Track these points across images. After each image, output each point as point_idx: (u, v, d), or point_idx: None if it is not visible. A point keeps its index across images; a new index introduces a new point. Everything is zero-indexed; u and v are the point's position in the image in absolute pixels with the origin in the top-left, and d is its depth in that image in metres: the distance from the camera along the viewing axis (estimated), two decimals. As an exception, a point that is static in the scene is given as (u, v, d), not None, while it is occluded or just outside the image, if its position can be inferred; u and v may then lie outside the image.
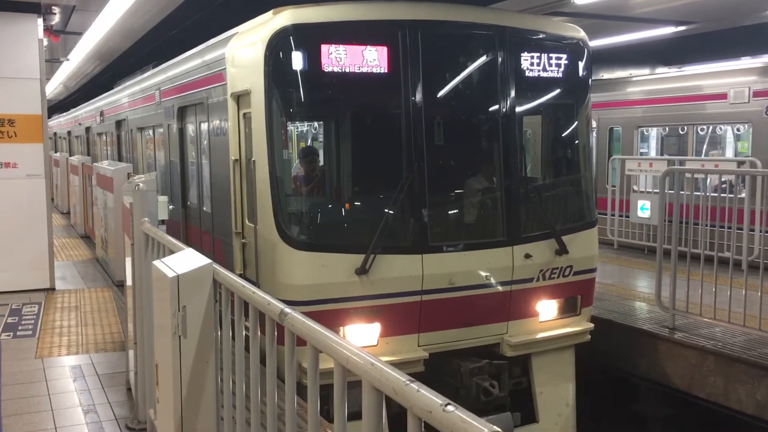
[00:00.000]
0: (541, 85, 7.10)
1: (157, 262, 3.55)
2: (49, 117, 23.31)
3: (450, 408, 1.51)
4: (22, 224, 9.97)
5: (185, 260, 3.41)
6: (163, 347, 3.44)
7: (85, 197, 15.33)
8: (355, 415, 2.25)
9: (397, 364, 1.93)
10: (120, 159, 14.86)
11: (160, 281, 3.40)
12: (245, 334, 3.11)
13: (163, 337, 3.39)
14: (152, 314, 4.24)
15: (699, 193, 9.42)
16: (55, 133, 30.31)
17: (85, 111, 21.87)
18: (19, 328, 8.18)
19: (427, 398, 1.59)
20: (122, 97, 14.42)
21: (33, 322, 8.44)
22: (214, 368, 3.30)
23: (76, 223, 17.16)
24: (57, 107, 34.35)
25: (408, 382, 1.68)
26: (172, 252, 3.83)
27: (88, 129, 20.85)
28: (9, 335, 7.88)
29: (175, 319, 3.18)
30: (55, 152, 24.73)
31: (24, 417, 5.55)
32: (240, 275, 5.86)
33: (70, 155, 21.89)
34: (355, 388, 2.16)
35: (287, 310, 2.47)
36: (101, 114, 17.39)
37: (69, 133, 26.64)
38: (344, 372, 2.09)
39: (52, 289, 10.17)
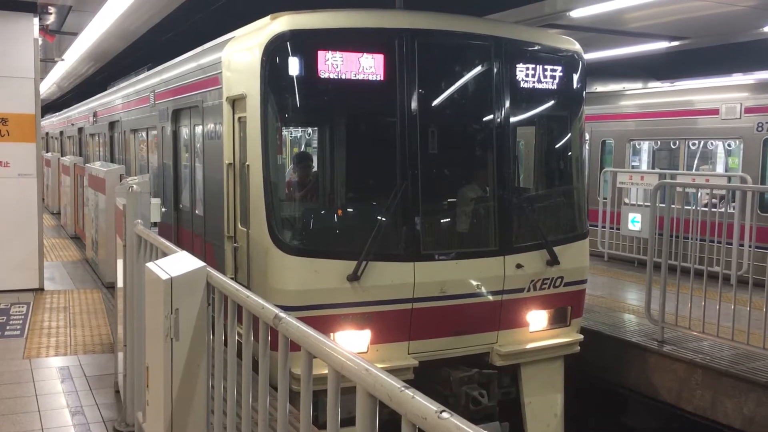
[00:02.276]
0: (536, 96, 7.14)
1: (150, 264, 3.55)
2: (42, 117, 23.22)
3: (445, 415, 1.52)
4: (12, 224, 9.91)
5: (179, 263, 3.41)
6: (154, 350, 3.43)
7: (76, 198, 15.26)
8: (343, 422, 2.26)
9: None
10: (112, 160, 14.81)
11: (153, 283, 3.40)
12: (238, 340, 3.11)
13: (155, 339, 3.38)
14: (143, 316, 4.23)
15: (690, 207, 9.49)
16: (47, 133, 30.18)
17: (78, 111, 21.81)
18: (7, 328, 8.13)
19: (422, 405, 1.60)
20: (116, 98, 14.39)
21: (21, 322, 8.38)
22: (205, 372, 3.29)
23: (66, 224, 17.07)
24: (50, 107, 34.24)
25: (403, 389, 1.68)
26: (164, 254, 3.82)
27: (80, 129, 20.79)
28: (-4, 335, 7.83)
29: (167, 322, 3.17)
30: (47, 152, 24.63)
31: (11, 417, 5.51)
32: (231, 279, 5.86)
33: (62, 155, 21.80)
34: (344, 395, 2.17)
35: (282, 314, 2.47)
36: (94, 115, 17.34)
37: (61, 133, 26.54)
38: (338, 378, 2.09)
39: (41, 289, 10.11)
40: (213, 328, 3.36)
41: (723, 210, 9.97)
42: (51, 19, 11.06)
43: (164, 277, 3.21)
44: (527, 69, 6.95)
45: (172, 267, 3.33)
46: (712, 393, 7.09)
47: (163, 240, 4.07)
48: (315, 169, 7.57)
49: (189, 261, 3.41)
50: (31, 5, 9.97)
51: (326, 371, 2.19)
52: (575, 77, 7.32)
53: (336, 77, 6.14)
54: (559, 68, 7.15)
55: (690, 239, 8.99)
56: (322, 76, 6.12)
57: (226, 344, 3.19)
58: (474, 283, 6.58)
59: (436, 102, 6.72)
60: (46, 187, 19.75)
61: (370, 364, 1.89)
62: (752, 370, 6.94)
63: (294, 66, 6.13)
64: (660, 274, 7.74)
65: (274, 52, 6.12)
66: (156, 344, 3.35)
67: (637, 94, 14.10)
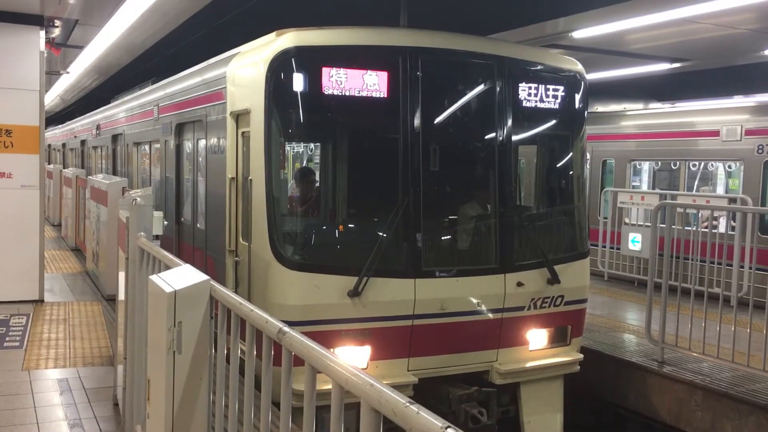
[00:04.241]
0: (538, 115, 7.17)
1: (154, 277, 3.56)
2: (45, 128, 23.15)
3: (450, 431, 1.52)
4: (14, 234, 9.93)
5: (182, 276, 3.41)
6: (156, 362, 3.43)
7: (77, 210, 15.29)
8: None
9: None
10: (114, 173, 14.85)
11: (156, 296, 3.41)
12: (240, 356, 3.11)
13: (157, 352, 3.38)
14: (144, 329, 4.23)
15: (690, 228, 9.50)
16: (49, 145, 30.26)
17: (81, 124, 21.88)
18: (7, 339, 8.12)
19: (427, 421, 1.61)
20: (119, 111, 14.45)
21: (20, 333, 8.37)
22: (207, 385, 3.29)
23: (67, 236, 17.09)
24: (53, 119, 34.34)
25: (408, 404, 1.69)
26: (167, 267, 3.83)
27: (83, 142, 20.85)
28: (-4, 346, 7.82)
29: (170, 335, 3.18)
30: (49, 164, 24.68)
31: (9, 429, 5.50)
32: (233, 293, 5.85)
33: (64, 167, 21.85)
34: (346, 411, 2.17)
35: (286, 328, 2.48)
36: (97, 127, 17.40)
37: (64, 145, 26.62)
38: (342, 393, 2.10)
39: (41, 301, 10.10)
40: (215, 342, 3.37)
41: (723, 231, 10.00)
42: (57, 32, 11.14)
43: (168, 290, 3.22)
44: (530, 88, 6.99)
45: (175, 280, 3.34)
46: (712, 415, 7.07)
47: (166, 253, 4.08)
48: (317, 184, 7.60)
49: (192, 274, 3.42)
50: (38, 18, 10.05)
51: (328, 387, 2.19)
52: (577, 97, 7.37)
53: (340, 94, 6.17)
54: (562, 88, 7.20)
55: (690, 260, 9.00)
56: (326, 93, 6.15)
57: (228, 359, 3.19)
58: (474, 300, 6.58)
59: (438, 120, 6.75)
60: (48, 199, 19.77)
61: (375, 380, 1.90)
62: (752, 392, 6.92)
63: (298, 82, 6.17)
64: (660, 294, 7.74)
65: (279, 67, 6.16)
66: (158, 357, 3.35)
67: (638, 115, 14.16)
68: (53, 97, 24.59)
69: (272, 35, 6.50)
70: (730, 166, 12.72)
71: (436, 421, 1.58)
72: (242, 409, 3.02)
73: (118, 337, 5.77)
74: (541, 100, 7.08)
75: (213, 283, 3.29)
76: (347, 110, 6.40)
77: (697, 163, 12.65)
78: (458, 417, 6.41)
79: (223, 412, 3.27)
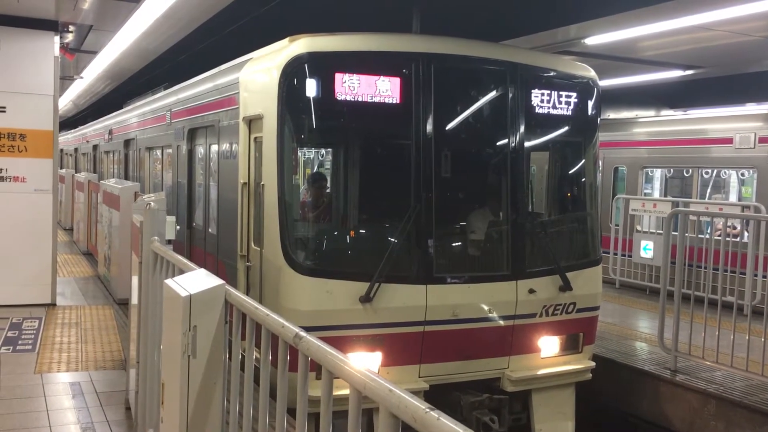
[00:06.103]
0: (551, 121, 7.16)
1: (169, 281, 3.56)
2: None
3: (471, 437, 1.51)
4: (27, 238, 9.98)
5: (197, 280, 3.42)
6: (171, 367, 3.43)
7: (89, 214, 15.36)
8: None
9: None
10: (126, 178, 14.92)
11: (171, 300, 3.41)
12: (255, 364, 3.11)
13: (172, 356, 3.38)
14: (157, 333, 4.24)
15: (703, 236, 9.43)
16: (61, 150, 30.39)
17: (93, 129, 22.02)
18: (19, 342, 8.15)
19: (448, 427, 1.60)
20: (132, 116, 14.53)
21: (33, 336, 8.41)
22: (221, 390, 3.29)
23: (78, 240, 17.17)
24: (65, 123, 34.51)
25: (428, 410, 1.68)
26: (181, 271, 3.84)
27: (95, 147, 20.97)
28: (9, 349, 7.85)
29: (185, 339, 3.18)
30: (61, 168, 24.82)
31: (21, 432, 5.52)
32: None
33: (76, 172, 21.96)
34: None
35: (302, 333, 2.48)
36: (110, 132, 17.50)
37: (76, 149, 26.78)
38: (360, 398, 2.09)
39: (53, 304, 10.14)
40: (230, 347, 3.37)
41: (737, 239, 9.93)
42: (71, 37, 11.22)
43: (183, 294, 3.22)
44: (542, 95, 6.99)
45: (190, 284, 3.34)
46: (726, 424, 7.01)
47: (180, 257, 4.08)
48: (329, 189, 7.60)
49: (207, 278, 3.42)
50: (53, 24, 10.12)
51: (341, 392, 2.19)
52: (590, 104, 7.35)
53: (353, 99, 6.19)
54: (574, 94, 7.19)
55: (703, 268, 8.94)
56: (339, 98, 6.17)
57: (242, 364, 3.19)
58: (486, 307, 6.56)
59: (451, 126, 6.75)
60: (60, 203, 19.85)
61: (394, 385, 1.89)
62: (766, 401, 6.86)
63: (311, 88, 6.18)
64: (673, 302, 7.69)
65: (292, 73, 6.18)
66: (173, 361, 3.35)
67: (651, 122, 14.11)
68: (66, 101, 24.75)
69: (285, 41, 6.52)
70: (743, 174, 12.64)
71: (458, 428, 1.57)
72: (257, 416, 3.01)
73: (131, 341, 5.78)
74: (554, 107, 7.08)
75: (228, 287, 3.30)
76: (360, 116, 6.41)
77: (709, 170, 12.58)
78: (470, 424, 6.38)
79: (236, 418, 3.26)
